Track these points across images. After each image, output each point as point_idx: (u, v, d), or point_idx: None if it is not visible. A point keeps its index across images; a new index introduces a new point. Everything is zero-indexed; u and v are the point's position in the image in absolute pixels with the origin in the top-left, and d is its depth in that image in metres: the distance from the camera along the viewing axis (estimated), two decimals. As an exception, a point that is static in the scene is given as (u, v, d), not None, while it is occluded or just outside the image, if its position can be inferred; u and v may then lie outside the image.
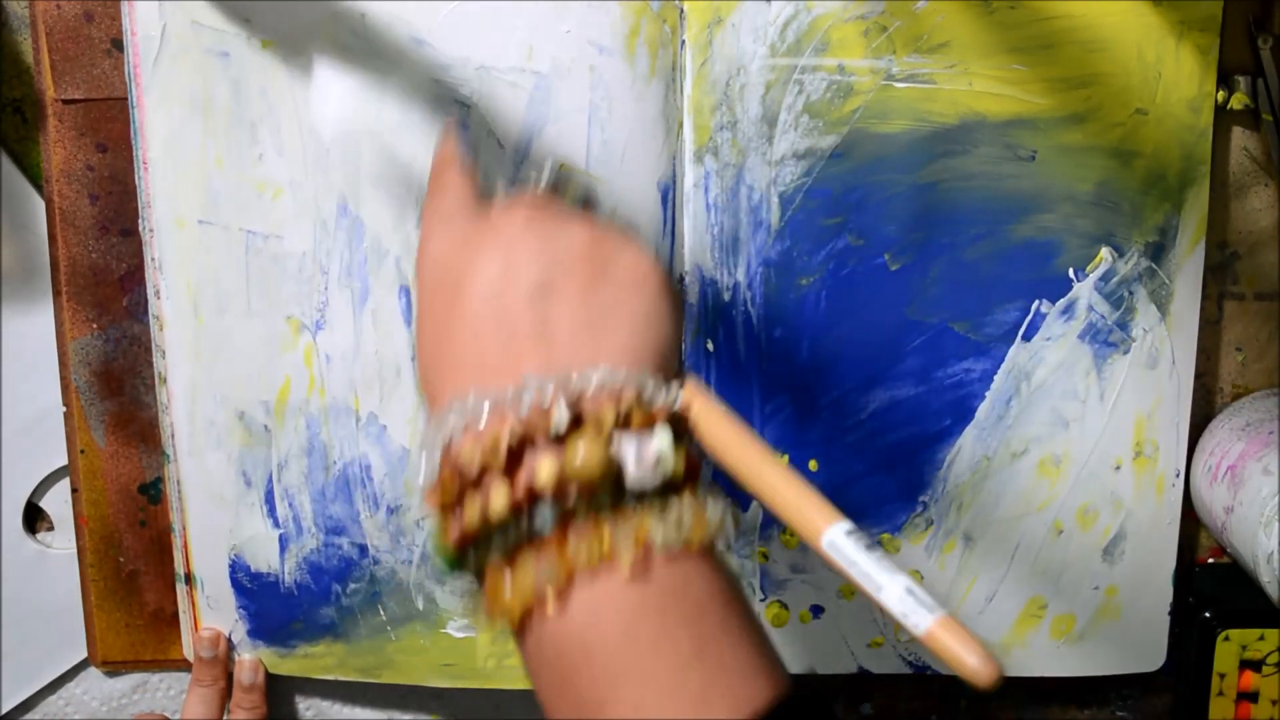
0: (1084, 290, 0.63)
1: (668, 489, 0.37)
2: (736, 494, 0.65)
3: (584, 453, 0.36)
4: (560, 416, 0.37)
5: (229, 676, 0.67)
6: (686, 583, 0.36)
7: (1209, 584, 0.69)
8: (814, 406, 0.65)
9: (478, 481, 0.37)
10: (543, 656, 0.37)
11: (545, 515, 0.36)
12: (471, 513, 0.37)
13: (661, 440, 0.37)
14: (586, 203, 0.46)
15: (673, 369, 0.41)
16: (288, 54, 0.60)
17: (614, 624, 0.36)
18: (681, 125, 0.62)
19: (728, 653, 0.36)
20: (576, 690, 0.36)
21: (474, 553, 0.37)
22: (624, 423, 0.37)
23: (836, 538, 0.38)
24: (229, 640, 0.67)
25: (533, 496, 0.36)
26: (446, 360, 0.40)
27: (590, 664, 0.36)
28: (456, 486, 0.37)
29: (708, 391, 0.41)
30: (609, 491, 0.37)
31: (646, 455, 0.37)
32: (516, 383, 0.38)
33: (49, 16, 0.61)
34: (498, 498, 0.36)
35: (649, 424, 0.37)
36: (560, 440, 0.37)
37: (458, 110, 0.59)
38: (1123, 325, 0.64)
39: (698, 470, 0.39)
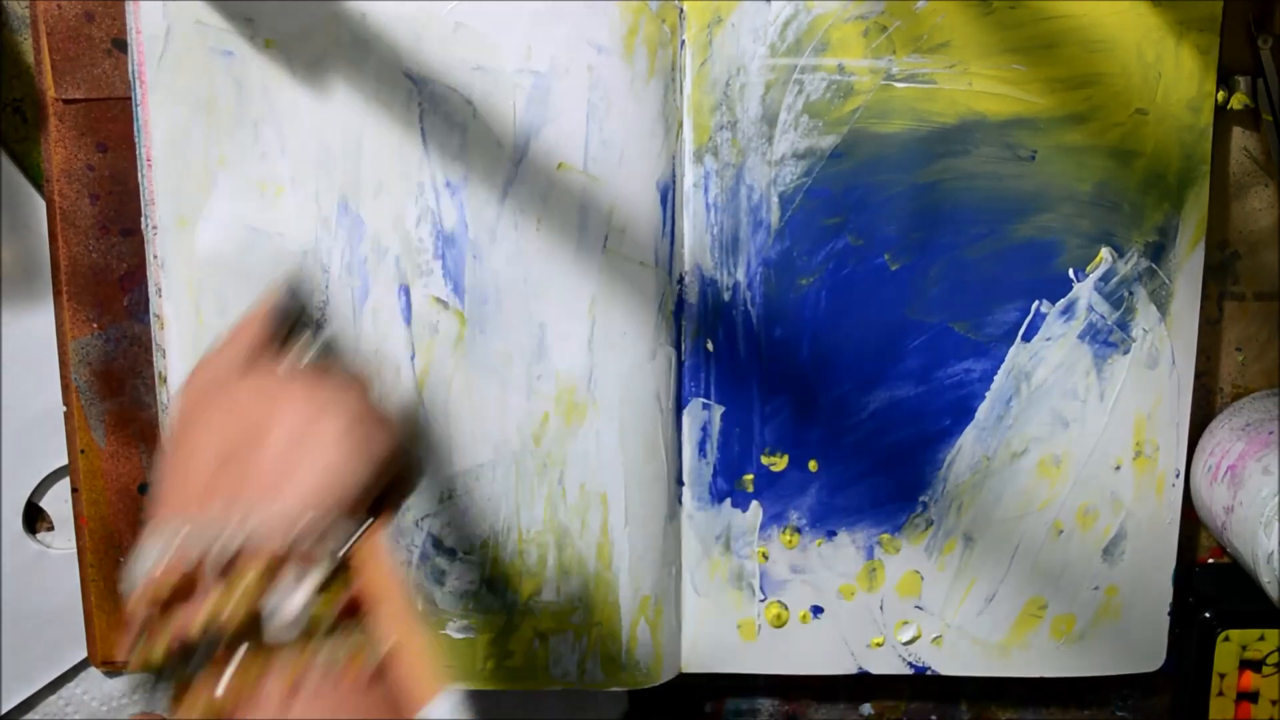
0: (1084, 290, 0.63)
1: (320, 624, 0.40)
2: (735, 494, 0.65)
3: (244, 587, 0.39)
4: (218, 557, 0.40)
5: None
6: (345, 709, 0.39)
7: (1209, 584, 0.69)
8: (814, 406, 0.65)
9: (164, 611, 0.40)
10: None
11: (203, 653, 0.39)
12: (153, 643, 0.40)
13: (305, 589, 0.40)
14: (338, 361, 0.51)
15: (361, 511, 0.43)
16: (290, 53, 0.60)
17: None
18: (681, 125, 0.62)
19: None
20: None
21: (162, 674, 0.40)
22: (278, 566, 0.40)
23: (436, 710, 0.40)
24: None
25: (195, 633, 0.39)
26: (168, 486, 0.44)
27: None
28: (143, 614, 0.40)
29: (385, 540, 0.44)
30: (258, 624, 0.39)
31: (291, 600, 0.40)
32: (200, 517, 0.41)
33: (49, 16, 0.61)
34: (157, 646, 0.40)
35: (306, 565, 0.40)
36: (219, 573, 0.40)
37: (293, 267, 0.61)
38: (1123, 325, 0.64)
39: (361, 605, 0.41)
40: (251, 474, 0.42)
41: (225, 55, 0.60)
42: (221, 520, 0.41)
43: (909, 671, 0.68)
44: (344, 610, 0.41)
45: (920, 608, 0.67)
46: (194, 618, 0.39)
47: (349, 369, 0.49)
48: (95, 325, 0.65)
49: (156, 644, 0.40)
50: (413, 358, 0.63)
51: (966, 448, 0.65)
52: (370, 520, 0.43)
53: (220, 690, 0.39)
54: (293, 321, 0.52)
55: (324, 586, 0.41)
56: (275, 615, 0.39)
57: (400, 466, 0.46)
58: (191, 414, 0.46)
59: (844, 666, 0.68)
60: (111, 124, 0.63)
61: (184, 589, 0.40)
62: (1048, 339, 0.64)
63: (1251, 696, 0.68)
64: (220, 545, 0.40)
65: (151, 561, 0.41)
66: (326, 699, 0.39)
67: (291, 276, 0.55)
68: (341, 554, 0.42)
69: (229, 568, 0.40)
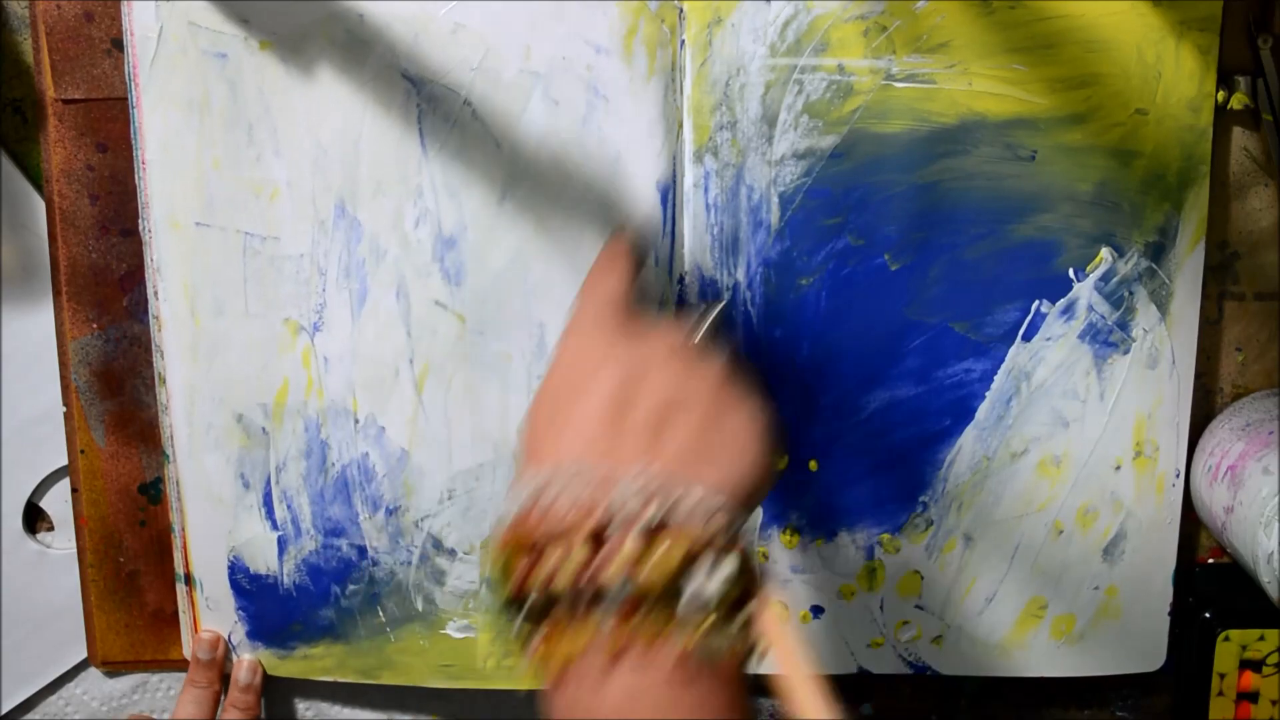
0: (1084, 290, 0.63)
1: (725, 607, 0.40)
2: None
3: (665, 552, 0.39)
4: (655, 513, 0.40)
5: (224, 680, 0.68)
6: (713, 694, 0.40)
7: (1209, 584, 0.69)
8: (814, 406, 0.65)
9: (559, 540, 0.40)
10: (571, 713, 0.40)
11: (611, 599, 0.39)
12: (547, 564, 0.40)
13: (730, 567, 0.40)
14: (721, 334, 0.51)
15: (750, 513, 0.44)
16: (285, 55, 0.60)
17: (649, 706, 0.39)
18: (681, 125, 0.62)
19: None
20: None
21: (540, 601, 0.40)
22: (706, 543, 0.40)
23: None
24: (228, 642, 0.67)
25: (607, 572, 0.40)
26: (561, 431, 0.44)
27: None
28: (535, 537, 0.41)
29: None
30: (672, 593, 0.40)
31: (716, 577, 0.40)
32: (625, 469, 0.41)
33: (49, 16, 0.61)
34: (575, 559, 0.40)
35: (727, 550, 0.40)
36: (642, 536, 0.40)
37: (623, 217, 0.60)
38: (1123, 325, 0.64)
39: (749, 601, 0.41)
40: (669, 443, 0.42)
41: (219, 57, 0.60)
42: (644, 479, 0.41)
43: (909, 671, 0.68)
44: (740, 598, 0.41)
45: (920, 608, 0.67)
46: (609, 557, 0.40)
47: (740, 357, 0.49)
48: (95, 325, 0.65)
49: (544, 567, 0.40)
50: (412, 360, 0.63)
51: (966, 448, 0.65)
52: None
53: (624, 637, 0.39)
54: (644, 276, 0.52)
55: (733, 576, 0.41)
56: (698, 586, 0.40)
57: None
58: (587, 359, 0.45)
59: (844, 666, 0.68)
60: (111, 124, 0.63)
61: (587, 527, 0.40)
62: (1048, 339, 0.64)
63: (1251, 696, 0.68)
64: (649, 504, 0.40)
65: (545, 492, 0.41)
66: (711, 682, 0.40)
67: (638, 226, 0.55)
68: (743, 548, 0.42)
69: (648, 533, 0.40)
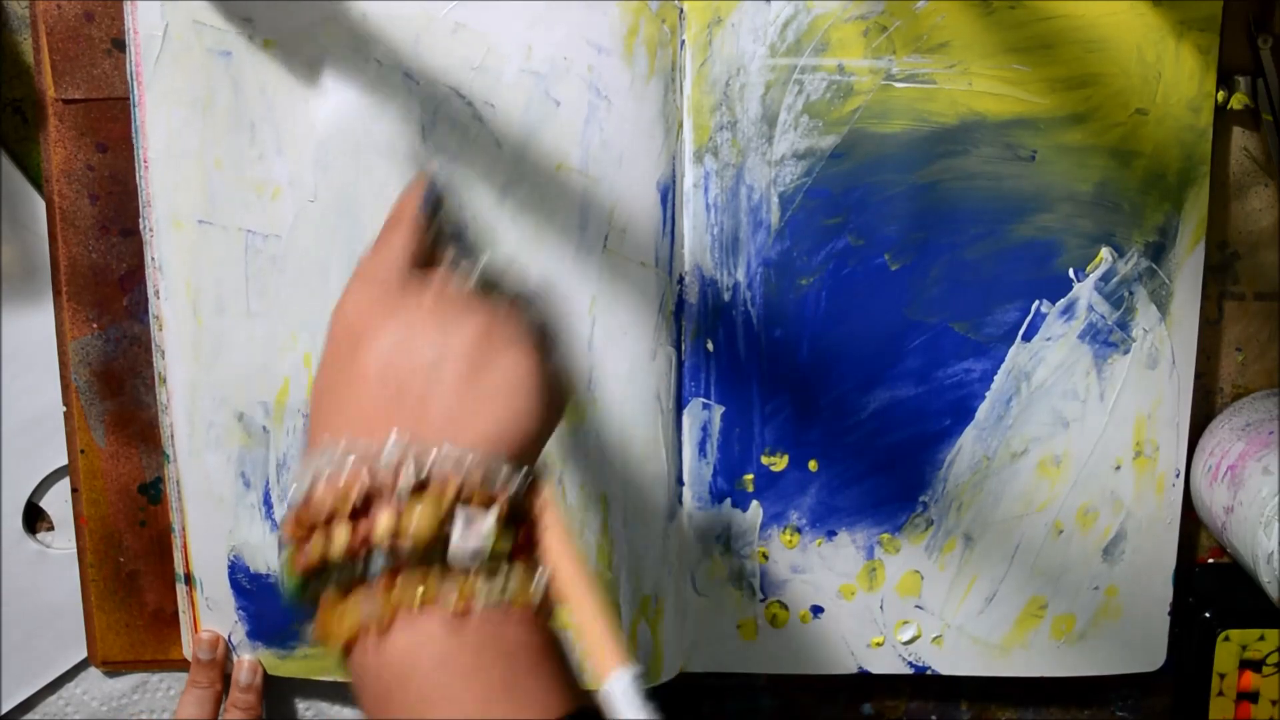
0: (1084, 290, 0.63)
1: (496, 558, 0.41)
2: (735, 494, 0.65)
3: (419, 516, 0.41)
4: (407, 480, 0.41)
5: (225, 680, 0.67)
6: (501, 633, 0.41)
7: (1209, 584, 0.69)
8: (814, 406, 0.65)
9: (328, 522, 0.41)
10: (364, 680, 0.41)
11: (378, 562, 0.40)
12: (315, 549, 0.41)
13: (488, 521, 0.41)
14: (499, 287, 0.50)
15: (532, 460, 0.45)
16: (288, 54, 0.60)
17: (430, 656, 0.40)
18: (681, 125, 0.62)
19: (537, 693, 0.40)
20: (391, 712, 0.40)
21: (314, 583, 0.42)
22: (464, 499, 0.41)
23: (616, 686, 0.41)
24: (228, 642, 0.67)
25: (369, 544, 0.41)
26: (331, 407, 0.45)
27: (405, 689, 0.40)
28: (308, 523, 0.42)
29: (558, 497, 0.46)
30: (439, 552, 0.41)
31: (474, 531, 0.41)
32: (380, 442, 0.42)
33: (49, 16, 0.61)
34: (338, 540, 0.41)
35: (486, 504, 0.42)
36: (396, 502, 0.41)
37: (434, 161, 0.60)
38: (1123, 325, 0.64)
39: (529, 549, 0.43)
40: (431, 405, 0.43)
41: (223, 56, 0.60)
42: (400, 447, 0.42)
43: (909, 671, 0.68)
44: (515, 550, 0.42)
45: (920, 607, 0.67)
46: (369, 530, 0.41)
47: (522, 300, 0.48)
48: (95, 325, 0.65)
49: (313, 550, 0.41)
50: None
51: (966, 448, 0.65)
52: (530, 469, 0.44)
53: (396, 593, 0.40)
54: (438, 228, 0.51)
55: (502, 525, 0.42)
56: (459, 542, 0.41)
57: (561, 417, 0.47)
58: (354, 329, 0.45)
59: (844, 666, 0.68)
60: (111, 124, 0.63)
61: (347, 507, 0.41)
62: (1048, 339, 0.64)
63: (1251, 696, 0.68)
64: (400, 472, 0.41)
65: (317, 478, 0.42)
66: (493, 628, 0.40)
67: (431, 175, 0.54)
68: (514, 497, 0.43)
69: (409, 494, 0.41)
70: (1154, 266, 0.63)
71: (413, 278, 0.47)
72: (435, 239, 0.50)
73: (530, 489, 0.44)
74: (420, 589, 0.40)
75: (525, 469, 0.43)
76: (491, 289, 0.49)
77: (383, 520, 0.41)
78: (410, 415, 0.43)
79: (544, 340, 0.46)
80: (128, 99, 0.61)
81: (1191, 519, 0.68)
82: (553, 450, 0.63)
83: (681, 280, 0.63)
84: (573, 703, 0.41)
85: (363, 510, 0.41)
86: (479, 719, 0.39)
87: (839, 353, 0.64)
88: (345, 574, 0.41)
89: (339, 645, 0.41)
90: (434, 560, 0.40)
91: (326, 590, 0.41)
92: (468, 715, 0.39)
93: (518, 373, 0.44)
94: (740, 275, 0.63)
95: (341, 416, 0.44)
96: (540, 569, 0.42)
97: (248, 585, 0.66)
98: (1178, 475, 0.66)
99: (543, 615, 0.42)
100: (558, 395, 0.46)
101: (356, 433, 0.43)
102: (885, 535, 0.66)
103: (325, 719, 0.71)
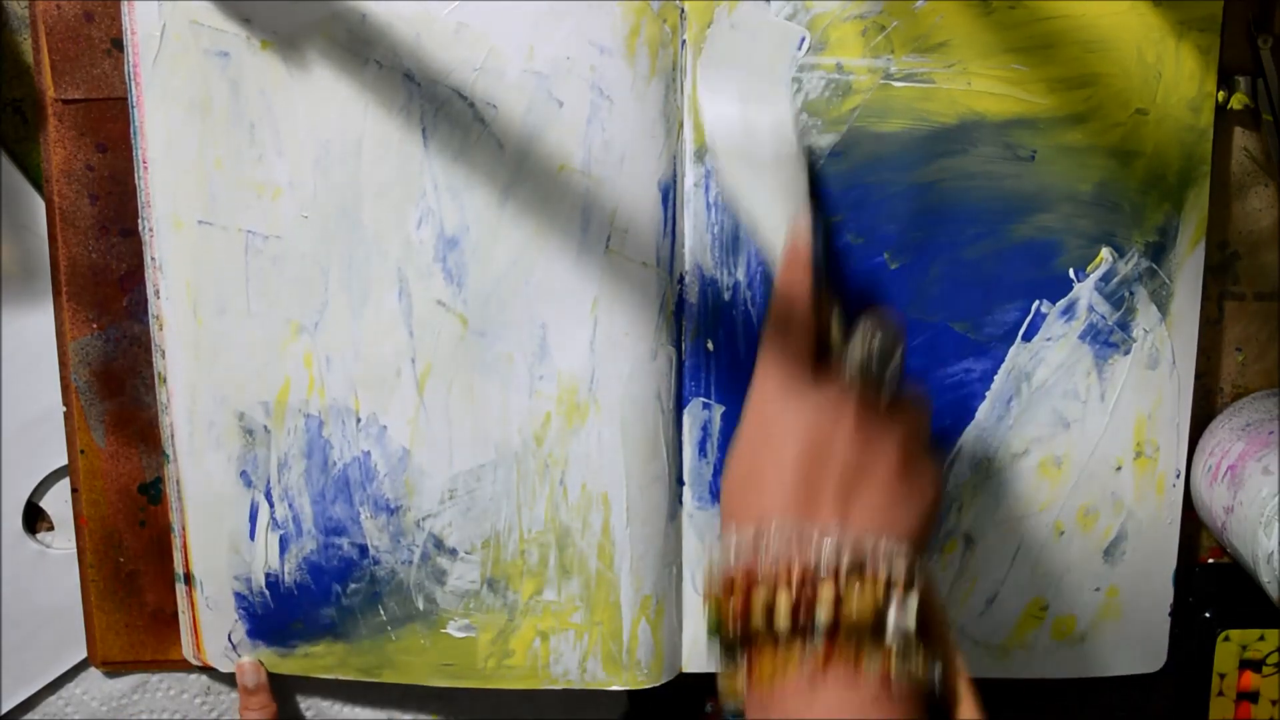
0: (1084, 290, 0.63)
1: (908, 639, 0.47)
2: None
3: (860, 595, 0.47)
4: (844, 562, 0.47)
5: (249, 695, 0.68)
6: (904, 707, 0.46)
7: (1209, 584, 0.69)
8: (814, 406, 0.65)
9: (752, 587, 0.48)
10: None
11: (818, 629, 0.47)
12: (758, 607, 0.47)
13: (915, 601, 0.47)
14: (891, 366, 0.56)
15: (925, 551, 0.52)
16: (287, 54, 0.60)
17: (852, 713, 0.46)
18: (682, 125, 0.62)
19: None
20: None
21: (746, 636, 0.48)
22: (893, 583, 0.47)
23: None
24: (229, 641, 0.67)
25: (811, 613, 0.47)
26: (757, 488, 0.51)
27: None
28: (743, 585, 0.48)
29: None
30: (870, 628, 0.47)
31: (905, 611, 0.47)
32: (814, 526, 0.49)
33: (49, 16, 0.61)
34: (782, 604, 0.47)
35: (906, 589, 0.47)
36: (838, 581, 0.47)
37: (817, 215, 0.59)
38: (1123, 325, 0.64)
39: (927, 631, 0.48)
40: (858, 499, 0.50)
41: (221, 56, 0.60)
42: (837, 534, 0.48)
43: (909, 671, 0.68)
44: (920, 629, 0.48)
45: (920, 607, 0.67)
46: (811, 600, 0.47)
47: (916, 400, 0.55)
48: (95, 325, 0.65)
49: (755, 608, 0.47)
50: (414, 360, 0.63)
51: (966, 448, 0.65)
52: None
53: (833, 658, 0.46)
54: (822, 300, 0.55)
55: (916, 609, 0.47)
56: (895, 621, 0.47)
57: None
58: (766, 416, 0.52)
59: (844, 666, 0.68)
60: (111, 124, 0.63)
61: (788, 577, 0.47)
62: (1048, 339, 0.64)
63: (1251, 696, 0.68)
64: (840, 555, 0.47)
65: (745, 546, 0.49)
66: (900, 702, 0.46)
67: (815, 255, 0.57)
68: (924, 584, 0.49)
69: (847, 575, 0.47)
70: (1154, 266, 0.63)
71: (818, 366, 0.53)
72: (819, 309, 0.55)
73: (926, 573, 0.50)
74: (856, 656, 0.46)
75: (926, 559, 0.50)
76: (872, 375, 0.54)
77: (826, 594, 0.47)
78: (836, 505, 0.49)
79: (932, 443, 0.54)
80: (127, 99, 0.61)
81: (1191, 519, 0.68)
82: (564, 450, 0.64)
83: (682, 280, 0.63)
84: None
85: (800, 582, 0.47)
86: None
87: (839, 352, 0.64)
88: (787, 631, 0.47)
89: (761, 688, 0.47)
90: (865, 634, 0.46)
91: (762, 641, 0.47)
92: None
93: (932, 478, 0.52)
94: (740, 275, 0.63)
95: (768, 500, 0.50)
96: (933, 659, 0.48)
97: (247, 585, 0.66)
98: (1178, 475, 0.66)
99: (926, 698, 0.47)
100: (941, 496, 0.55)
101: (787, 518, 0.49)
102: (885, 535, 0.66)
103: (325, 718, 0.71)
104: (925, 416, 0.54)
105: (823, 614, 0.46)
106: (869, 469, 0.50)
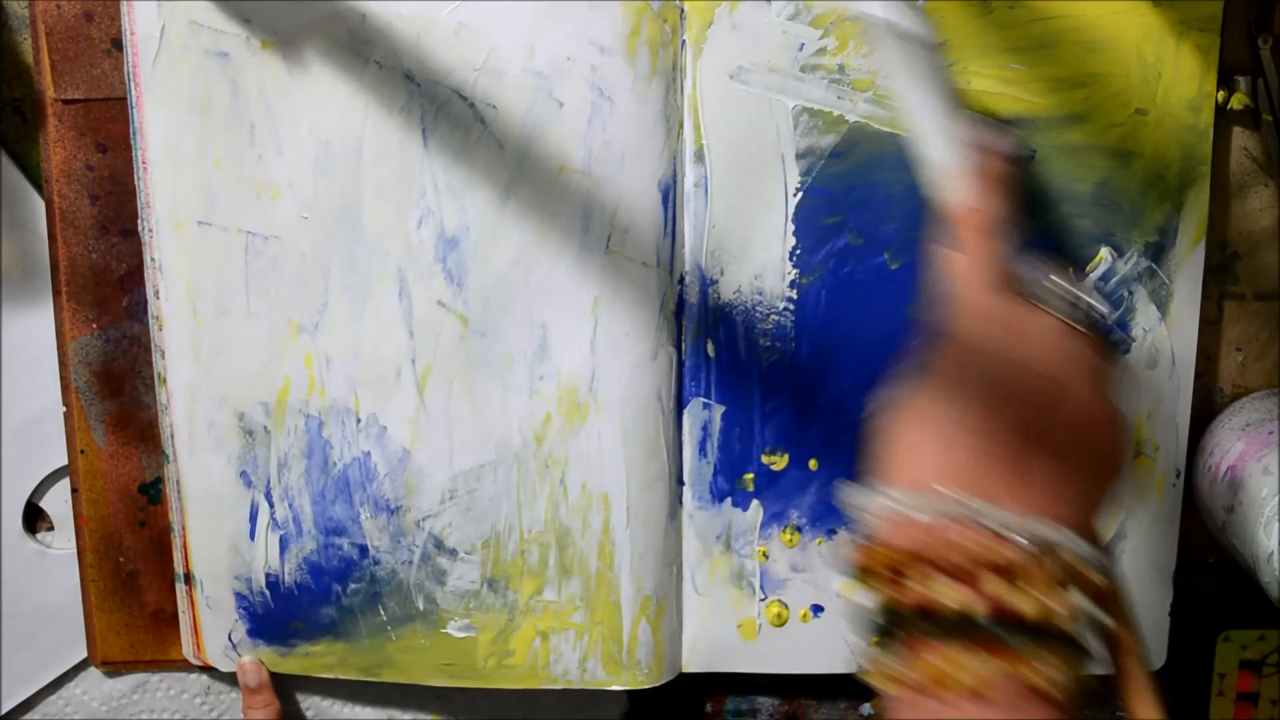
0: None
1: (1078, 647, 0.42)
2: (735, 493, 0.65)
3: (1037, 593, 0.41)
4: (1021, 557, 0.42)
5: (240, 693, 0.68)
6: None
7: (1209, 584, 0.69)
8: (814, 406, 0.65)
9: (923, 565, 0.42)
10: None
11: (991, 625, 0.41)
12: (912, 591, 0.42)
13: (1087, 606, 0.42)
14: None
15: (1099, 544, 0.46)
16: (287, 54, 0.60)
17: None
18: (682, 125, 0.62)
19: None
20: None
21: (902, 621, 0.43)
22: (1068, 581, 0.42)
23: None
24: (229, 640, 0.67)
25: (987, 607, 0.41)
26: (929, 454, 0.45)
27: None
28: (902, 558, 0.42)
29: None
30: (1042, 628, 0.41)
31: (1081, 614, 0.42)
32: (992, 510, 0.42)
33: (49, 16, 0.61)
34: (948, 593, 0.41)
35: (1084, 588, 0.42)
36: (1007, 571, 0.41)
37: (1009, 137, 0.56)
38: (1123, 325, 0.64)
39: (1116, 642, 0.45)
40: (1034, 482, 0.44)
41: (221, 56, 0.60)
42: (1009, 523, 0.42)
43: (909, 671, 0.68)
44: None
45: (920, 607, 0.67)
46: (978, 601, 0.41)
47: (1112, 356, 0.49)
48: (95, 325, 0.65)
49: (945, 592, 0.41)
50: (414, 360, 0.63)
51: (967, 448, 0.65)
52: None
53: (1005, 662, 0.41)
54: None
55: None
56: (1074, 616, 0.41)
57: None
58: (951, 376, 0.46)
59: (844, 666, 0.68)
60: (111, 124, 0.63)
61: (961, 562, 0.41)
62: (1048, 339, 0.64)
63: (1251, 697, 0.68)
64: (1020, 543, 0.42)
65: (905, 516, 0.43)
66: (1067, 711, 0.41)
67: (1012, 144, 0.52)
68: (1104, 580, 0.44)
69: (1016, 573, 0.41)
70: (1154, 266, 0.63)
71: (1011, 289, 0.48)
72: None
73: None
74: (1036, 663, 0.41)
75: (1104, 552, 0.44)
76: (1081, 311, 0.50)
77: (1014, 592, 0.41)
78: (1015, 486, 0.43)
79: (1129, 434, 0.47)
80: (127, 99, 0.61)
81: (1191, 519, 0.68)
82: (564, 450, 0.64)
83: (682, 280, 0.63)
84: None
85: (966, 570, 0.41)
86: None
87: (839, 352, 0.64)
88: (949, 626, 0.41)
89: (919, 684, 0.42)
90: (1037, 635, 0.41)
91: (920, 626, 0.42)
92: None
93: (1117, 457, 0.47)
94: (741, 275, 0.63)
95: (936, 467, 0.44)
96: (1089, 661, 0.43)
97: (248, 585, 0.66)
98: (1178, 475, 0.66)
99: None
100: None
101: (958, 486, 0.43)
102: (885, 535, 0.66)
103: (325, 718, 0.71)
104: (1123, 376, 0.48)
105: (1004, 611, 0.41)
106: (1051, 451, 0.45)
